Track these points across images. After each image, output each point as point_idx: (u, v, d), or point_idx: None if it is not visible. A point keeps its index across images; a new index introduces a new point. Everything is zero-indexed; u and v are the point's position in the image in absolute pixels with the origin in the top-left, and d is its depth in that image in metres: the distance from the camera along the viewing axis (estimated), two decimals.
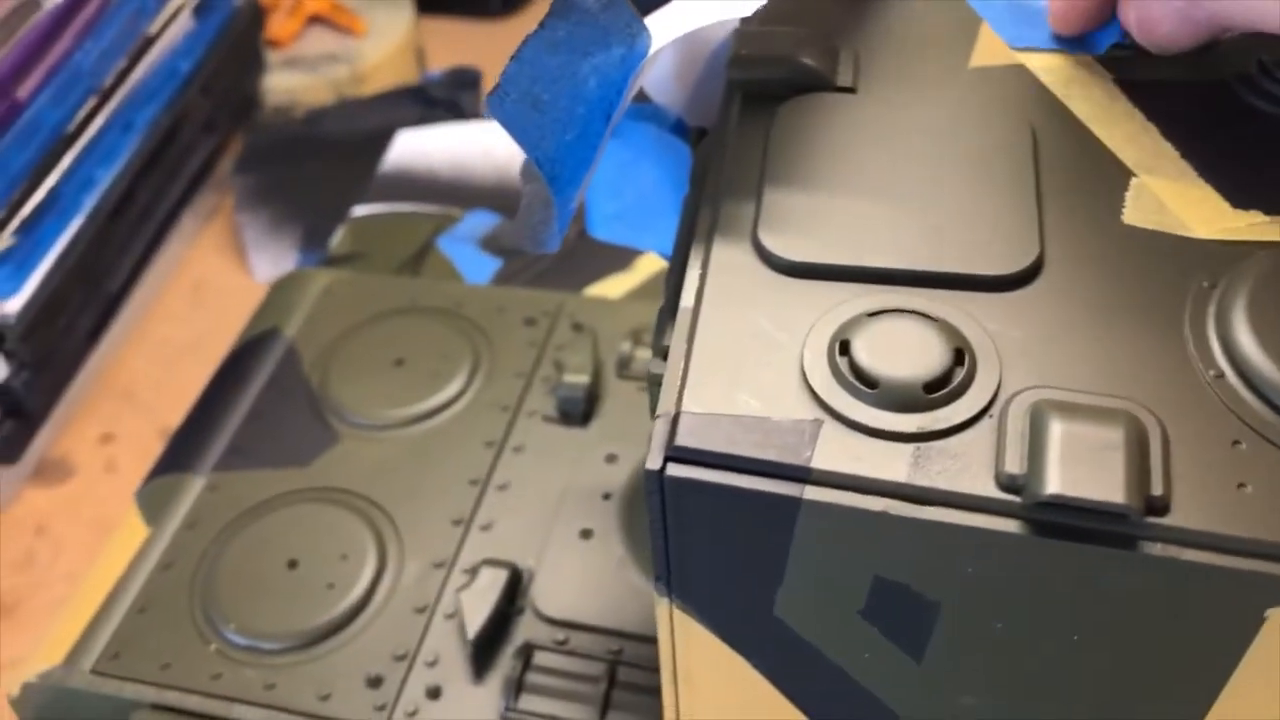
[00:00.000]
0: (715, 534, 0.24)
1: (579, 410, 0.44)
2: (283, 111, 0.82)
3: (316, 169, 0.75)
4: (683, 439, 0.23)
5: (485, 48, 0.85)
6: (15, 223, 0.59)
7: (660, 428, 0.24)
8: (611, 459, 0.43)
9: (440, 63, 0.85)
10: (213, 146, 0.77)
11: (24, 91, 0.60)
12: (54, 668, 0.39)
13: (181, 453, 0.45)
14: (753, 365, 0.24)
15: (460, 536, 0.41)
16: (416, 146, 0.62)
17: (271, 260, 0.72)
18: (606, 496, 0.42)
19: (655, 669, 0.37)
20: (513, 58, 0.26)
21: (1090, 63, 0.31)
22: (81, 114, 0.64)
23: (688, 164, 0.33)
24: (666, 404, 0.24)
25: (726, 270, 0.26)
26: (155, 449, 0.65)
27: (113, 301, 0.68)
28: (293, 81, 0.82)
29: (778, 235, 0.26)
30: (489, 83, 0.80)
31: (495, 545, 0.41)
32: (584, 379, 0.44)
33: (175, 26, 0.71)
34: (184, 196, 0.74)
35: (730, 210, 0.28)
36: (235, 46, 0.77)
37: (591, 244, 0.55)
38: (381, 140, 0.77)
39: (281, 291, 0.51)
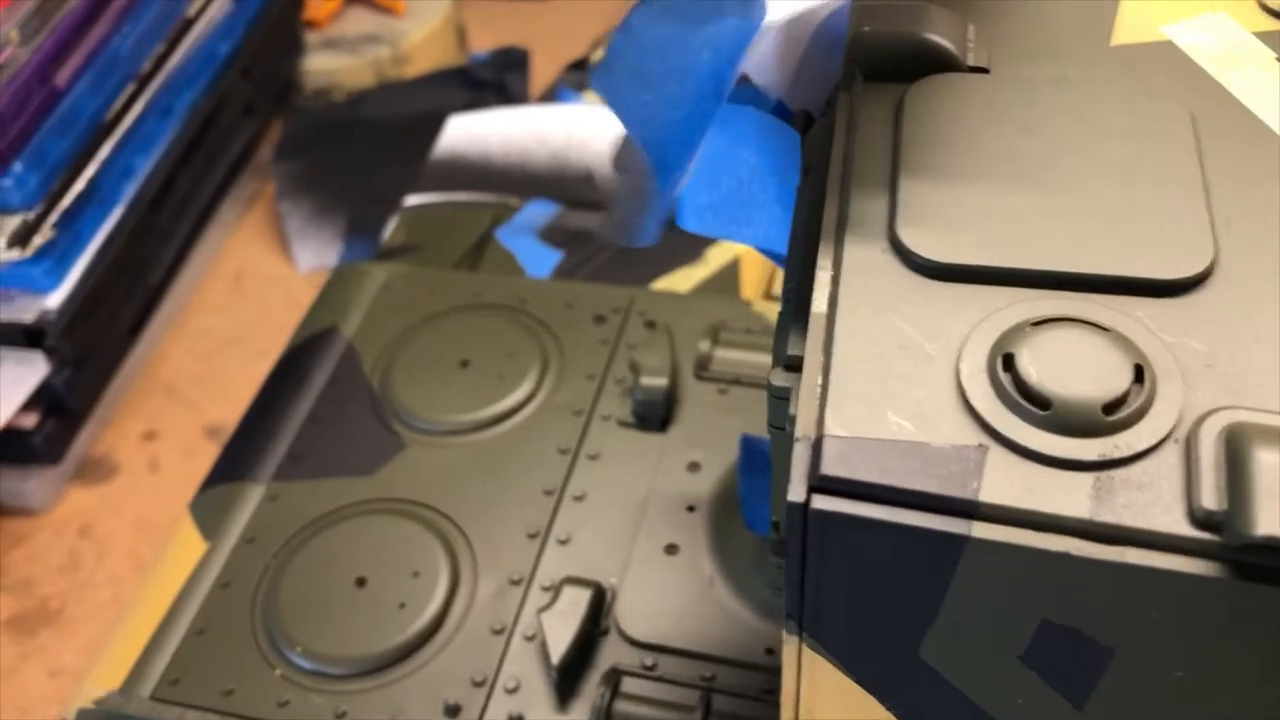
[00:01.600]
0: (861, 571, 0.21)
1: (658, 415, 0.41)
2: (322, 94, 0.80)
3: (360, 154, 0.73)
4: (829, 467, 0.20)
5: (525, 28, 0.83)
6: (55, 215, 0.57)
7: (801, 453, 0.21)
8: (694, 467, 0.40)
9: (482, 43, 0.83)
10: (253, 131, 0.74)
11: (62, 79, 0.58)
12: (111, 694, 0.37)
13: (238, 460, 0.43)
14: (901, 381, 0.22)
15: (537, 551, 0.39)
16: (469, 132, 0.59)
17: (314, 250, 0.70)
18: (691, 509, 0.39)
19: (752, 697, 0.35)
20: (620, 28, 0.23)
21: (1247, 39, 0.28)
22: (120, 101, 0.62)
23: (796, 151, 0.30)
24: (805, 426, 0.21)
25: (862, 271, 0.24)
26: (199, 446, 0.63)
27: (153, 294, 0.66)
28: (332, 63, 0.79)
29: (919, 233, 0.24)
30: (535, 63, 0.77)
31: (574, 561, 0.38)
32: (663, 382, 0.41)
33: (214, 8, 0.68)
34: (224, 183, 0.72)
35: (861, 204, 0.25)
36: (274, 27, 0.75)
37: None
38: (427, 123, 0.74)
39: (338, 287, 0.49)
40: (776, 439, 0.27)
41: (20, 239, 0.55)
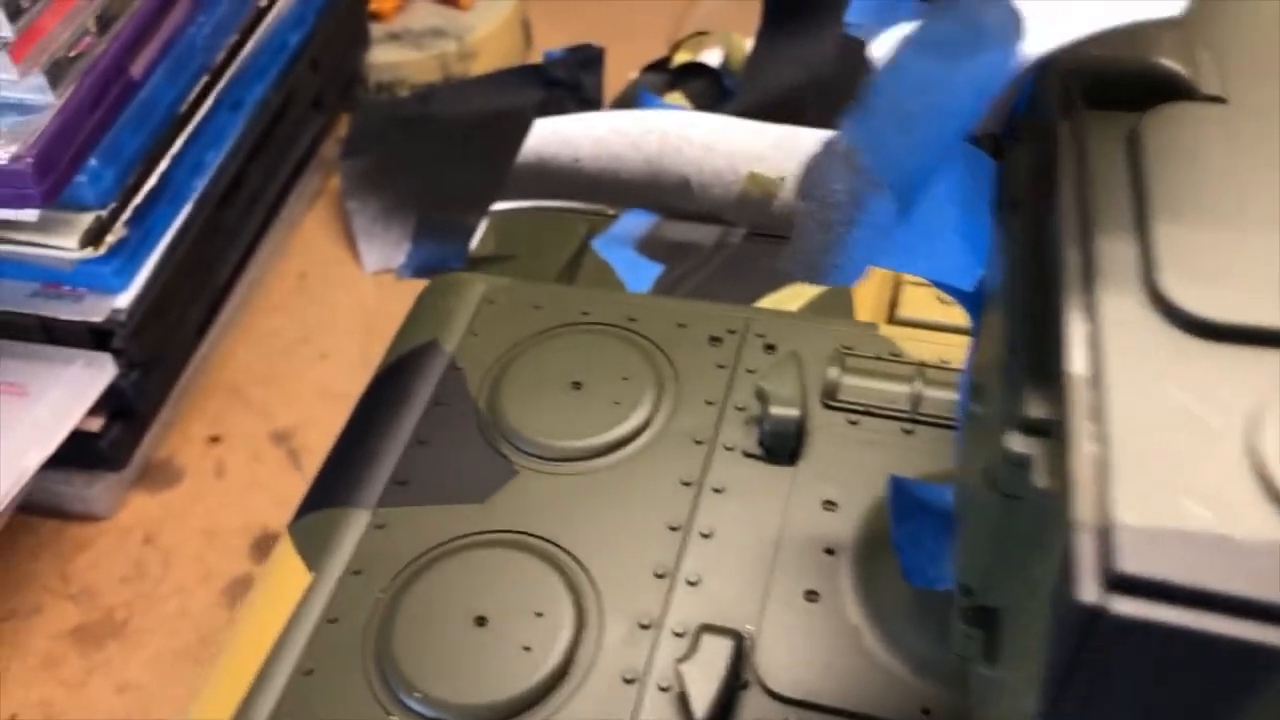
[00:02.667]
0: (1143, 679, 0.19)
1: (788, 447, 0.39)
2: (386, 88, 0.78)
3: (429, 153, 0.70)
4: (1127, 563, 0.18)
5: (591, 23, 0.80)
6: (127, 212, 0.55)
7: (1086, 545, 0.18)
8: (829, 505, 0.38)
9: (546, 37, 0.80)
10: (320, 126, 0.72)
11: (138, 70, 0.55)
12: None
13: (339, 483, 0.40)
14: (1189, 459, 0.19)
15: (666, 592, 0.36)
16: (557, 136, 0.57)
17: (381, 250, 0.68)
18: (829, 551, 0.37)
19: None
20: (885, 66, 0.21)
21: None
22: (194, 93, 0.60)
23: (986, 178, 0.28)
24: (1087, 511, 0.19)
25: (1121, 328, 0.21)
26: (266, 452, 0.61)
27: (219, 293, 0.64)
28: (397, 56, 0.77)
29: (1185, 285, 0.21)
30: (609, 61, 0.74)
31: (707, 604, 0.36)
32: (795, 412, 0.38)
33: None
34: (289, 180, 0.70)
35: (1109, 249, 0.22)
36: (342, 19, 0.72)
37: (761, 249, 0.50)
38: (498, 122, 0.72)
39: (436, 298, 0.46)
40: (989, 502, 0.24)
41: (94, 238, 0.53)
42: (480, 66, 0.77)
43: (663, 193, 0.52)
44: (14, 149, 0.49)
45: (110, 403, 0.56)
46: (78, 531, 0.58)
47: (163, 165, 0.57)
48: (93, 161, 0.52)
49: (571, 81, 0.73)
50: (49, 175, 0.49)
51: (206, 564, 0.57)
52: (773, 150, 0.54)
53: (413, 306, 0.47)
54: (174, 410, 0.62)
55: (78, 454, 0.56)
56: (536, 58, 0.80)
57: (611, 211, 0.52)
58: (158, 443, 0.61)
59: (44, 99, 0.50)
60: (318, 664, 0.35)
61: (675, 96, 0.68)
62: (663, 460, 0.40)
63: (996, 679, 0.26)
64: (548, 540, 0.38)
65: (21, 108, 0.50)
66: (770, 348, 0.42)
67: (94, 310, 0.55)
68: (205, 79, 0.60)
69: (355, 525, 0.39)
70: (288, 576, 0.38)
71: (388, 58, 0.77)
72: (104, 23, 0.53)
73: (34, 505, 0.57)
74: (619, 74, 0.74)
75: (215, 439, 0.62)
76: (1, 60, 0.48)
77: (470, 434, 0.41)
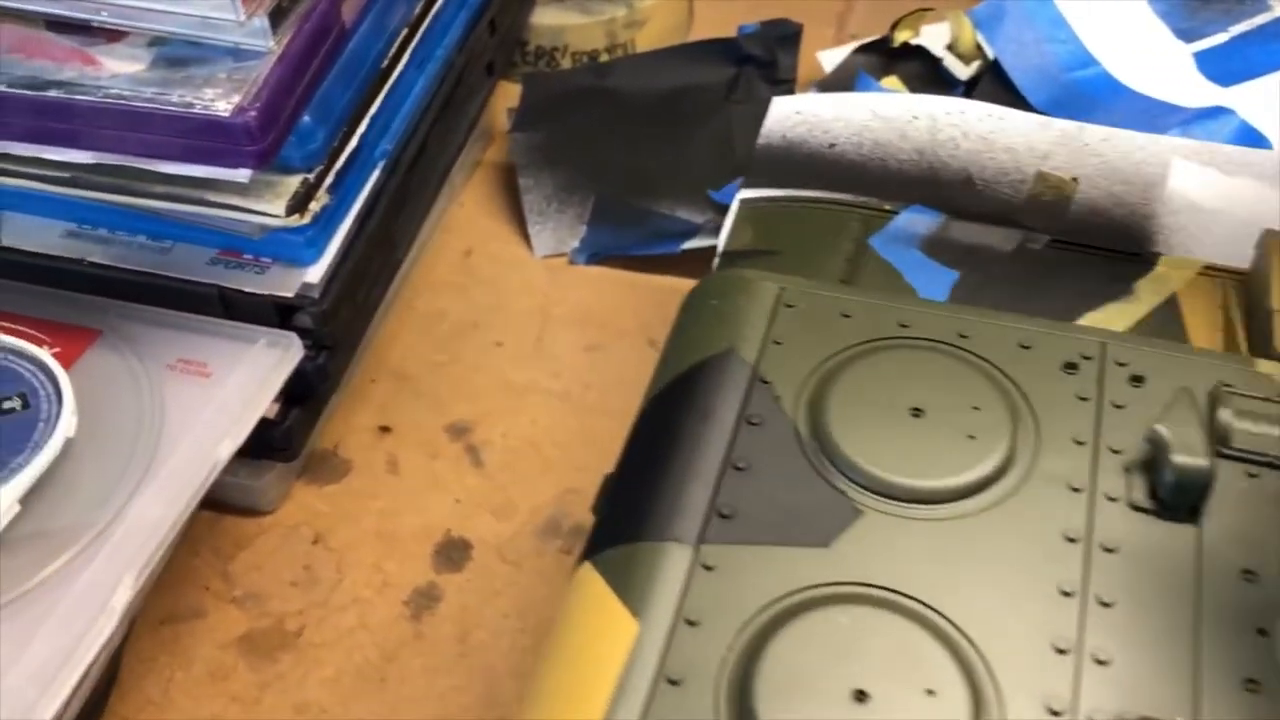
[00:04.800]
0: None
1: (1192, 503, 0.33)
2: (546, 54, 0.72)
3: (607, 130, 0.65)
4: None
5: (757, 2, 0.74)
6: (330, 177, 0.49)
7: None
8: (1248, 575, 0.32)
9: (707, 12, 0.74)
10: (489, 91, 0.66)
11: (348, 16, 0.49)
12: None
13: (650, 512, 0.34)
14: None
15: (1073, 672, 0.30)
16: (803, 118, 0.51)
17: (554, 233, 0.62)
18: (1263, 632, 0.31)
19: None
20: None
21: None
22: (394, 48, 0.54)
23: None
24: None
25: None
26: (442, 447, 0.55)
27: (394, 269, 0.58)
28: (561, 20, 0.71)
29: None
30: (807, 36, 0.68)
31: (1124, 689, 0.30)
32: (1204, 463, 0.33)
33: None
34: (459, 148, 0.64)
35: None
36: None
37: (1069, 259, 0.45)
38: (683, 100, 0.66)
39: (723, 299, 0.40)
40: None
41: (300, 204, 0.47)
42: (648, 35, 0.71)
43: (942, 188, 0.47)
44: (235, 99, 0.43)
45: (285, 386, 0.50)
46: (236, 526, 0.53)
47: (362, 126, 0.51)
48: (305, 119, 0.47)
49: (766, 59, 0.67)
50: (270, 132, 0.44)
51: (384, 571, 0.51)
52: (1058, 147, 0.48)
53: (688, 307, 0.41)
54: (338, 397, 0.56)
55: (251, 442, 0.50)
56: (700, 32, 0.74)
57: (887, 207, 0.46)
58: (322, 429, 0.55)
59: (264, 44, 0.44)
60: None
61: (892, 81, 0.62)
62: (1037, 509, 0.34)
63: None
64: (916, 599, 0.32)
65: (238, 54, 0.44)
66: (1137, 379, 0.37)
67: (283, 284, 0.49)
68: (404, 33, 0.54)
69: (677, 564, 0.33)
70: (608, 624, 0.32)
71: (551, 21, 0.71)
72: None
73: None
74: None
75: (385, 429, 0.56)
76: None
77: (795, 461, 0.35)
